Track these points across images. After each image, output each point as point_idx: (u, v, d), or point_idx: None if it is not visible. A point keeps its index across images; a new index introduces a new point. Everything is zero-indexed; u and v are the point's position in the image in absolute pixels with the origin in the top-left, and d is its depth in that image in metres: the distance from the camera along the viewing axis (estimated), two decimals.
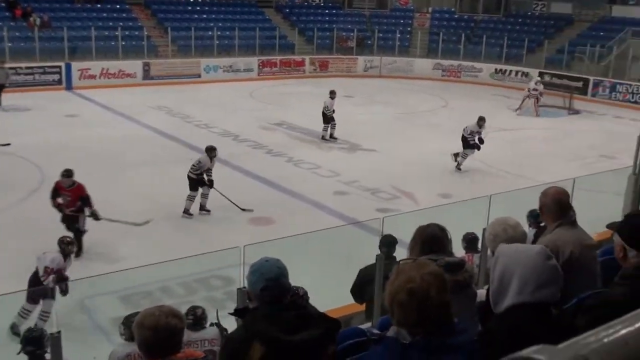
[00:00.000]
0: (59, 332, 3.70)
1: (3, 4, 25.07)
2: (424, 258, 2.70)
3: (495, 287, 2.55)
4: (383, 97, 23.47)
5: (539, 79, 23.35)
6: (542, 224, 5.97)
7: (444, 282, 2.11)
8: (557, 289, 2.47)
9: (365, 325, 4.78)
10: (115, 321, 6.20)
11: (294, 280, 2.88)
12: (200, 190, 11.10)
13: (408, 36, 31.00)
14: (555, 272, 2.51)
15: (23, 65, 22.71)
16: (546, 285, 2.42)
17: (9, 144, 13.89)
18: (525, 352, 0.45)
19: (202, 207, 11.18)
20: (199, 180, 11.01)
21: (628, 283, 2.49)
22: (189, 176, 11.04)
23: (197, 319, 5.03)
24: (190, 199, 11.01)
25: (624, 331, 0.47)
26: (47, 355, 4.24)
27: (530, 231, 6.88)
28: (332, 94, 16.48)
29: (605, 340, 0.45)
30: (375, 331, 3.16)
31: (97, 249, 9.38)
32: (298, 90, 24.18)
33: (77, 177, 9.96)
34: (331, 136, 16.61)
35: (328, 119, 16.40)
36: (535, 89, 21.78)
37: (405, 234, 3.77)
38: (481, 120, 14.36)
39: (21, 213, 10.74)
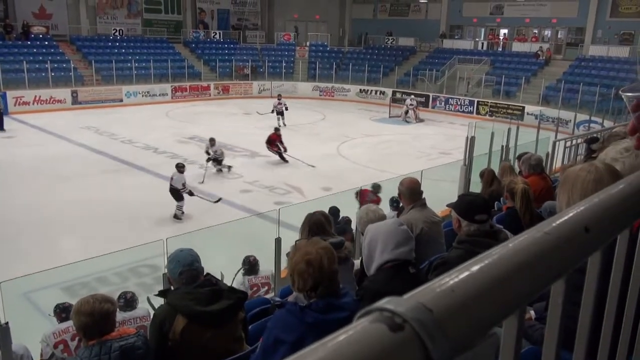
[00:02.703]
0: (6, 323, 3.43)
1: None
2: (316, 238, 2.74)
3: (365, 255, 2.64)
4: (274, 115, 23.43)
5: (413, 97, 24.35)
6: (401, 206, 6.22)
7: (333, 255, 2.16)
8: (411, 249, 2.59)
9: (269, 295, 4.78)
10: None
11: (209, 262, 2.84)
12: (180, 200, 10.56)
13: (292, 64, 31.20)
14: (407, 234, 2.63)
15: None
16: (402, 245, 2.54)
17: None
18: (377, 304, 0.48)
19: (176, 216, 10.52)
20: (178, 191, 10.49)
21: (462, 247, 2.65)
22: (170, 190, 10.51)
23: (127, 301, 4.85)
24: (179, 208, 10.49)
25: (451, 282, 0.50)
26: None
27: (390, 213, 7.12)
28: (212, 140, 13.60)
29: (438, 289, 0.48)
30: (277, 299, 3.17)
31: (45, 246, 8.75)
32: (206, 110, 23.72)
33: (19, 189, 9.24)
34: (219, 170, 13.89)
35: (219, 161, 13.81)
36: (411, 104, 22.81)
37: (297, 221, 3.80)
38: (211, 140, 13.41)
39: None
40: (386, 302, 0.49)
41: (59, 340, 4.30)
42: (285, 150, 14.75)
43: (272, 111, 20.64)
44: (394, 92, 26.33)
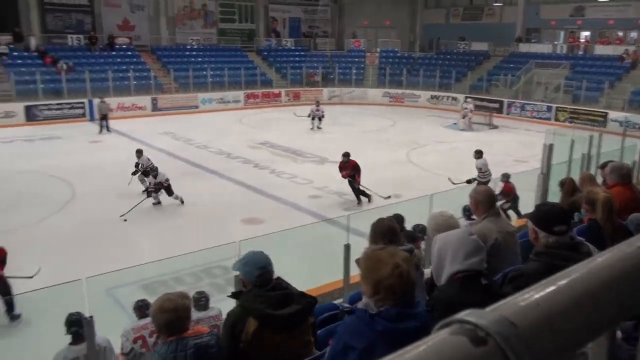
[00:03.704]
0: (91, 317, 3.66)
1: (36, 54, 24.63)
2: (392, 247, 2.71)
3: (435, 265, 2.59)
4: (344, 120, 23.55)
5: (469, 99, 23.71)
6: (473, 217, 6.03)
7: (414, 264, 2.16)
8: (482, 259, 2.51)
9: (338, 301, 4.79)
10: None
11: (279, 267, 2.88)
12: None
13: (362, 71, 31.22)
14: (477, 244, 2.55)
15: (54, 102, 22.34)
16: (472, 255, 2.47)
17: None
18: (458, 315, 0.47)
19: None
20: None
21: (540, 259, 2.54)
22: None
23: (200, 300, 5.01)
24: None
25: (536, 295, 0.49)
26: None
27: (464, 222, 6.92)
28: None
29: (522, 303, 0.47)
30: (346, 305, 3.17)
31: (123, 245, 9.24)
32: (277, 116, 24.16)
33: (105, 189, 9.85)
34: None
35: None
36: (465, 108, 22.13)
37: (366, 228, 3.79)
38: None
39: (54, 224, 10.53)
40: (467, 314, 0.48)
41: (137, 335, 4.53)
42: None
43: (309, 115, 20.84)
44: (466, 98, 25.70)
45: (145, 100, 24.45)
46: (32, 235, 9.64)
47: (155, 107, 24.65)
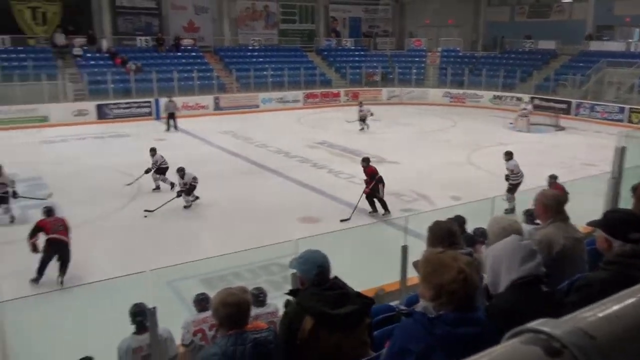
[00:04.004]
0: (154, 308, 3.80)
1: (107, 55, 25.84)
2: (452, 251, 2.66)
3: (490, 277, 2.52)
4: (403, 120, 23.32)
5: (527, 100, 22.91)
6: (536, 221, 5.82)
7: (477, 268, 2.11)
8: (539, 263, 2.41)
9: (394, 303, 4.74)
10: None
11: (335, 266, 2.89)
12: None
13: (422, 71, 30.79)
14: (531, 248, 2.46)
15: (123, 101, 23.37)
16: (528, 260, 2.39)
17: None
18: (530, 324, 0.45)
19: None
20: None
21: (610, 268, 2.42)
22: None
23: (259, 296, 5.08)
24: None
25: (614, 307, 0.46)
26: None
27: (527, 227, 6.69)
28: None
29: (600, 314, 0.45)
30: (403, 307, 3.13)
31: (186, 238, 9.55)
32: (335, 116, 24.21)
33: (167, 186, 10.21)
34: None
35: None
36: (524, 108, 21.40)
37: (424, 229, 3.73)
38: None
39: (123, 216, 11.01)
40: (541, 324, 0.46)
41: (197, 329, 4.66)
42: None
43: (359, 119, 20.45)
44: (531, 99, 24.80)
45: (208, 100, 25.15)
46: (104, 228, 10.11)
47: (217, 106, 25.30)
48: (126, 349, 4.30)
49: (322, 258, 2.73)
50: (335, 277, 2.78)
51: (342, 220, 10.39)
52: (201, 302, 4.92)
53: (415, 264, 3.35)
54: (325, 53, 32.05)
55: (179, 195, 11.14)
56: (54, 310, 6.60)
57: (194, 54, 28.44)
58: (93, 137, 19.41)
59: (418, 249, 4.59)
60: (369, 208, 10.91)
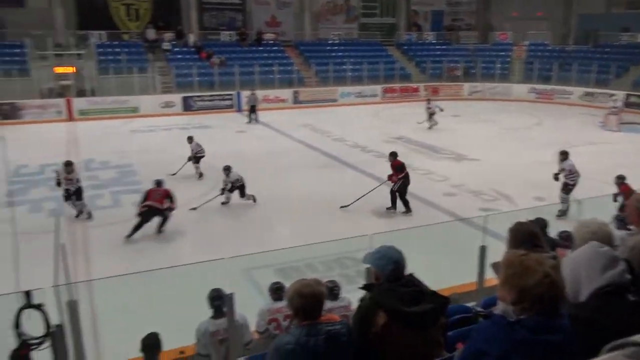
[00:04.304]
0: (232, 294, 3.93)
1: (193, 49, 26.91)
2: (536, 254, 2.54)
3: (570, 286, 2.38)
4: (485, 116, 22.58)
5: (617, 97, 21.43)
6: (630, 227, 5.43)
7: (561, 273, 2.02)
8: (622, 271, 2.24)
9: (470, 304, 4.61)
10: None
11: (409, 263, 2.85)
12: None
13: (507, 65, 29.60)
14: (612, 255, 2.29)
15: (207, 94, 24.28)
16: (609, 267, 2.23)
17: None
18: (634, 338, 0.42)
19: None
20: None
21: None
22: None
23: (332, 290, 5.11)
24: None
25: None
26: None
27: (618, 233, 6.27)
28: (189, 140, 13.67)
29: None
30: (480, 309, 3.04)
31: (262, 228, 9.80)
32: (414, 111, 23.78)
33: (248, 178, 10.61)
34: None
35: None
36: (614, 107, 20.05)
37: (504, 230, 3.60)
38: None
39: (206, 205, 11.44)
40: None
41: (272, 317, 4.77)
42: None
43: (430, 116, 19.94)
44: (626, 95, 23.16)
45: (287, 93, 25.60)
46: (188, 214, 10.55)
47: (296, 100, 25.68)
48: (204, 331, 4.48)
49: (397, 254, 2.70)
50: (411, 274, 2.74)
51: (342, 207, 10.73)
52: (276, 291, 5.01)
53: (495, 266, 3.23)
54: (406, 47, 31.61)
55: (222, 193, 11.05)
56: (140, 290, 6.99)
57: (275, 48, 29.00)
58: (178, 127, 20.30)
59: (497, 250, 4.44)
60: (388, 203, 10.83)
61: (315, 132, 19.50)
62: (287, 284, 3.04)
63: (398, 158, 11.02)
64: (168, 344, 4.46)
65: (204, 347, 4.49)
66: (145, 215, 9.37)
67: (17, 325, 3.40)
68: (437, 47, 32.20)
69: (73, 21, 26.67)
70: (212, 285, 4.66)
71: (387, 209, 10.75)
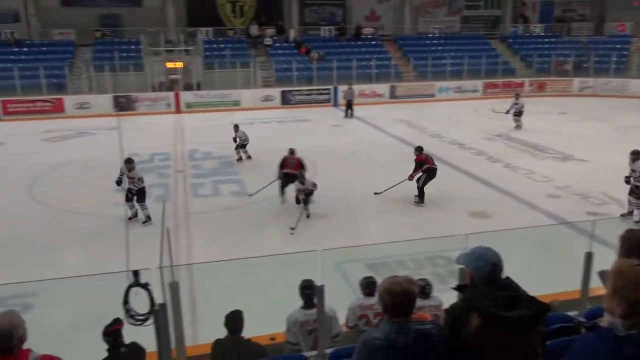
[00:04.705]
0: (323, 286, 3.97)
1: (293, 44, 27.49)
2: None
3: None
4: (596, 114, 21.03)
5: None
6: None
7: None
8: None
9: (572, 313, 4.34)
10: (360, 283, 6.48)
11: (507, 267, 2.72)
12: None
13: (624, 59, 27.34)
14: None
15: (305, 88, 24.74)
16: None
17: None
18: None
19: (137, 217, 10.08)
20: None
21: None
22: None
23: (424, 288, 5.01)
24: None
25: None
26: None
27: None
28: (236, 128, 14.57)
29: None
30: (583, 319, 2.85)
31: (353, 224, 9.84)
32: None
33: (340, 170, 10.63)
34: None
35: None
36: None
37: (613, 237, 3.33)
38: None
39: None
40: None
41: (362, 314, 4.76)
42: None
43: (508, 112, 18.67)
44: None
45: (384, 88, 25.44)
46: (277, 208, 10.85)
47: (392, 95, 25.46)
48: (294, 320, 4.57)
49: (495, 256, 2.59)
50: (507, 278, 2.62)
51: (375, 194, 11.26)
52: (368, 285, 4.99)
53: (602, 275, 3.01)
54: (511, 40, 30.21)
55: (297, 202, 10.67)
56: (235, 276, 7.29)
57: (373, 42, 28.90)
58: (276, 121, 20.90)
59: (604, 258, 4.12)
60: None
61: (411, 127, 19.22)
62: (378, 279, 3.01)
63: (423, 152, 11.22)
64: (259, 330, 4.62)
65: (294, 335, 4.59)
66: (285, 179, 10.83)
67: (126, 301, 3.67)
68: (546, 39, 30.46)
69: (183, 19, 28.29)
70: (304, 275, 4.75)
71: (416, 203, 10.83)
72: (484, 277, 2.53)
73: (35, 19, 26.88)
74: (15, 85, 22.59)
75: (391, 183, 11.28)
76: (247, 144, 14.53)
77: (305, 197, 10.28)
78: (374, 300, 4.63)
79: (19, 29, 26.22)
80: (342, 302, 5.11)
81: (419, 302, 4.60)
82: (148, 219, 9.93)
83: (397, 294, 2.45)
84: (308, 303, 4.60)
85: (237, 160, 14.43)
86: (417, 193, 10.85)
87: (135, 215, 10.06)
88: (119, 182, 10.06)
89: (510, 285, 2.55)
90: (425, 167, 10.86)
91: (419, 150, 11.23)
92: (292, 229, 9.42)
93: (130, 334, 4.13)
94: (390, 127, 18.97)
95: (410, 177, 10.91)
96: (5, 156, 15.73)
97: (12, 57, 24.37)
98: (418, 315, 2.52)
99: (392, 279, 2.53)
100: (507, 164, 13.88)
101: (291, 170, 10.80)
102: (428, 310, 4.68)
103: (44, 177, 13.39)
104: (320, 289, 3.97)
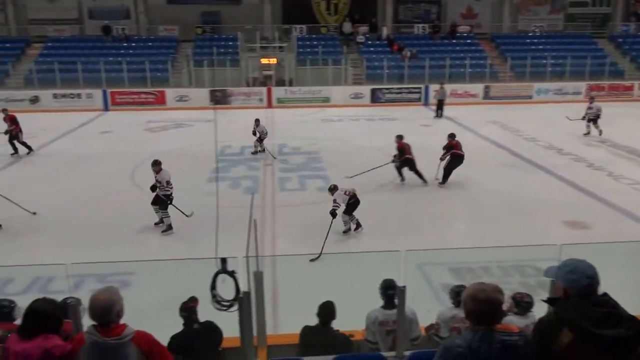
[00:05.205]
0: (404, 287, 3.92)
1: (385, 42, 27.31)
2: None
3: None
4: None
5: None
6: None
7: None
8: None
9: None
10: (443, 287, 6.32)
11: (604, 282, 2.53)
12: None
13: None
14: None
15: (395, 86, 24.50)
16: None
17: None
18: None
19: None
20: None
21: None
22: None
23: (520, 303, 4.66)
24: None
25: None
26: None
27: None
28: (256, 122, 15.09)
29: None
30: None
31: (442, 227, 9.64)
32: (624, 112, 21.13)
33: (428, 171, 10.42)
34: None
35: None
36: None
37: None
38: None
39: (381, 194, 11.58)
40: None
41: (455, 326, 4.52)
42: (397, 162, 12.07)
43: (584, 117, 17.21)
44: None
45: (478, 88, 24.62)
46: (368, 201, 10.83)
47: (486, 95, 24.59)
48: (374, 319, 4.55)
49: (590, 269, 2.42)
50: (606, 294, 2.44)
51: (440, 184, 11.74)
52: (457, 295, 4.73)
53: None
54: (620, 40, 28.12)
55: (333, 216, 8.91)
56: (317, 270, 7.39)
57: (469, 41, 28.04)
58: (365, 119, 20.86)
59: None
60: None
61: (504, 129, 18.45)
62: (463, 284, 2.91)
63: (403, 141, 12.03)
64: (338, 325, 4.64)
65: (372, 334, 4.57)
66: (403, 163, 11.76)
67: (213, 286, 3.83)
68: None
69: (279, 16, 28.98)
70: (385, 275, 4.71)
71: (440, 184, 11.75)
72: (580, 290, 2.37)
73: (144, 15, 28.72)
74: (124, 78, 24.28)
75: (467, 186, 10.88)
76: (265, 138, 15.05)
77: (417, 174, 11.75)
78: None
79: (129, 25, 28.15)
80: (421, 303, 5.01)
81: (512, 319, 4.34)
82: (169, 228, 9.29)
83: (481, 302, 2.36)
84: (388, 303, 4.56)
85: (253, 153, 15.01)
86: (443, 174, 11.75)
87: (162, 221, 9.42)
88: (153, 188, 9.41)
89: (608, 302, 2.38)
90: (452, 151, 11.73)
91: (451, 136, 12.11)
92: (312, 260, 7.71)
93: (212, 317, 4.31)
94: (481, 128, 18.33)
95: (442, 158, 11.87)
96: (111, 143, 16.96)
97: (122, 51, 26.22)
98: (505, 326, 2.42)
99: (478, 285, 2.44)
100: (609, 173, 12.94)
101: (409, 155, 11.67)
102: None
103: (144, 164, 14.28)
104: (402, 290, 3.92)
